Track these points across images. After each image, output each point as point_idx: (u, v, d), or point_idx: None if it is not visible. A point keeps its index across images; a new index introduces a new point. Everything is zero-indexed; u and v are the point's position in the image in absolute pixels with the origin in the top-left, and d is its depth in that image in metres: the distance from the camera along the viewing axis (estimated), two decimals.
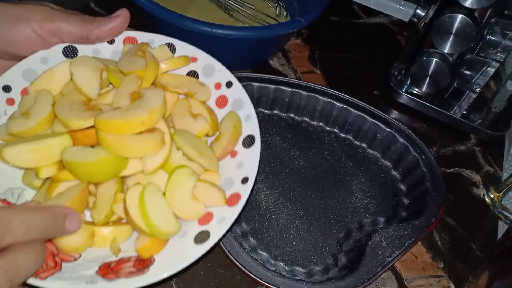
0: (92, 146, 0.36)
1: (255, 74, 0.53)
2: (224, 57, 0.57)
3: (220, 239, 0.35)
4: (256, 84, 0.52)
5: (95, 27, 0.40)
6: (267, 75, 0.53)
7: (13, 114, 0.39)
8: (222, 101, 0.42)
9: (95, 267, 0.34)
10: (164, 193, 0.36)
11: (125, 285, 0.32)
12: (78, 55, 0.42)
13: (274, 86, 0.53)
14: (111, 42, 0.43)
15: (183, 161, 0.38)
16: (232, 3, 0.63)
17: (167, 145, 0.36)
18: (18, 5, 0.39)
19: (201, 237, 0.34)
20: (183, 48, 0.43)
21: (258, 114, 0.54)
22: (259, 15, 0.62)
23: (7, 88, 0.40)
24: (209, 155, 0.39)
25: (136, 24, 0.61)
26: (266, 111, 0.55)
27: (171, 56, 0.43)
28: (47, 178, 0.37)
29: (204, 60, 0.43)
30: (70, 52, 0.42)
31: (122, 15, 0.41)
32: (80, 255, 0.35)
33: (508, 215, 0.49)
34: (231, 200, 0.36)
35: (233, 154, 0.40)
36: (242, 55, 0.58)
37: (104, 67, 0.40)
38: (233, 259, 0.40)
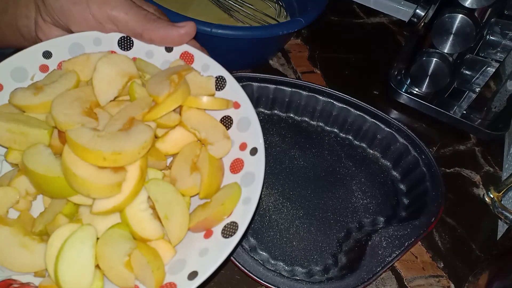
0: None
1: (255, 74, 0.53)
2: (224, 57, 0.57)
3: None
4: (256, 84, 0.52)
5: (153, 28, 0.38)
6: (267, 75, 0.53)
7: (29, 85, 0.37)
8: (237, 166, 0.36)
9: None
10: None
11: None
12: (132, 49, 0.39)
13: (274, 86, 0.53)
14: (169, 50, 0.40)
15: (144, 216, 0.33)
16: (232, 3, 0.63)
17: (124, 194, 0.32)
18: None
19: None
20: (232, 88, 0.38)
21: (258, 114, 0.54)
22: (259, 15, 0.62)
23: (48, 54, 0.39)
24: (177, 222, 0.33)
25: None
26: (266, 111, 0.55)
27: (212, 93, 0.38)
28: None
29: (244, 112, 0.37)
30: (125, 44, 0.40)
31: (186, 28, 0.38)
32: None
33: (508, 215, 0.49)
34: None
35: (208, 234, 0.33)
36: (242, 55, 0.58)
37: (136, 74, 0.37)
38: (233, 259, 0.40)
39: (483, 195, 0.52)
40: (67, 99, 0.35)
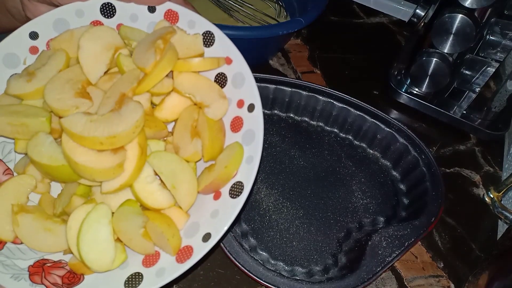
0: None
1: (255, 74, 0.52)
2: None
3: None
4: (256, 84, 0.52)
5: None
6: (267, 75, 0.53)
7: (22, 71, 0.37)
8: (237, 124, 0.36)
9: (31, 261, 0.33)
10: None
11: None
12: (115, 16, 0.38)
13: (274, 86, 0.53)
14: (152, 10, 0.38)
15: (153, 187, 0.34)
16: (232, 3, 0.63)
17: (128, 171, 0.32)
18: None
19: (134, 280, 0.32)
20: (222, 43, 0.37)
21: None
22: (258, 15, 0.62)
23: (34, 35, 0.38)
24: (185, 189, 0.34)
25: None
26: (266, 111, 0.55)
27: (201, 52, 0.37)
28: None
29: (238, 66, 0.36)
30: (107, 10, 0.38)
31: None
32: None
33: (508, 214, 0.49)
34: (182, 255, 0.32)
35: (217, 195, 0.34)
36: (242, 55, 0.58)
37: (122, 45, 0.36)
38: (233, 259, 0.40)
39: (483, 195, 0.52)
40: (58, 83, 0.35)
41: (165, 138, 0.37)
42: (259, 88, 0.52)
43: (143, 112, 0.33)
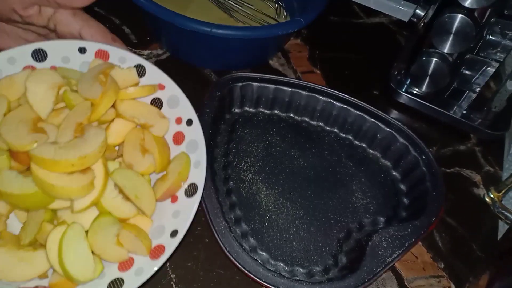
0: None
1: (255, 74, 0.53)
2: (224, 57, 0.57)
3: None
4: (256, 84, 0.52)
5: None
6: (267, 75, 0.53)
7: None
8: (179, 138, 0.42)
9: None
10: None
11: None
12: (47, 59, 0.42)
13: (274, 86, 0.53)
14: (83, 51, 0.42)
15: (117, 201, 0.38)
16: (232, 3, 0.63)
17: (98, 188, 0.36)
18: None
19: (115, 285, 0.35)
20: (153, 72, 0.43)
21: (258, 114, 0.55)
22: (258, 15, 0.62)
23: None
24: (146, 198, 0.38)
25: (136, 23, 0.61)
26: (266, 111, 0.55)
27: (137, 82, 0.42)
28: None
29: (170, 90, 0.42)
30: (39, 55, 0.42)
31: None
32: None
33: (508, 215, 0.49)
34: (155, 252, 0.36)
35: (174, 199, 0.39)
36: (242, 55, 0.58)
37: (63, 83, 0.40)
38: (233, 260, 0.40)
39: (484, 195, 0.52)
40: (12, 123, 0.37)
41: (115, 159, 0.41)
42: (260, 88, 0.53)
43: (105, 134, 0.38)
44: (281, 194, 0.48)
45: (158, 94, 0.43)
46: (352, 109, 0.52)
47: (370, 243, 0.43)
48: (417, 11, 0.58)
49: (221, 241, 0.40)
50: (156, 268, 0.35)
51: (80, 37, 0.43)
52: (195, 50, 0.55)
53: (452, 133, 0.58)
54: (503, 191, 0.50)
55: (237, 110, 0.54)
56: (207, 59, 0.58)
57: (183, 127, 0.41)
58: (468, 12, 0.50)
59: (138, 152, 0.40)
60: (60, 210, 0.37)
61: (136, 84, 0.42)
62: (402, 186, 0.51)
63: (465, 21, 0.50)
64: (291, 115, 0.55)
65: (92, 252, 0.36)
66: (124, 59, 0.43)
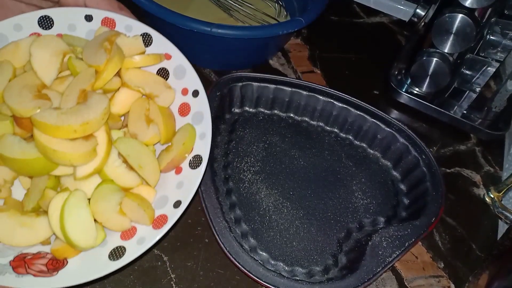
0: None
1: (255, 74, 0.53)
2: (224, 57, 0.57)
3: (136, 259, 0.35)
4: (256, 83, 0.52)
5: None
6: (267, 75, 0.53)
7: None
8: (185, 109, 0.41)
9: (11, 257, 0.34)
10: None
11: (30, 285, 0.33)
12: (53, 27, 0.41)
13: (274, 85, 0.53)
14: (89, 19, 0.42)
15: (121, 170, 0.37)
16: (232, 2, 0.62)
17: (100, 156, 0.36)
18: None
19: (117, 253, 0.35)
20: (160, 42, 0.42)
21: (258, 114, 0.55)
22: (259, 14, 0.62)
23: None
24: (150, 168, 0.38)
25: None
26: (266, 111, 0.55)
27: (143, 50, 0.42)
28: None
29: (177, 60, 0.42)
30: (45, 23, 0.41)
31: None
32: None
33: (508, 215, 0.49)
34: (158, 222, 0.36)
35: (178, 170, 0.39)
36: (242, 54, 0.58)
37: (68, 50, 0.40)
38: (233, 260, 0.40)
39: (484, 195, 0.52)
40: (16, 88, 0.37)
41: (120, 129, 0.41)
42: (260, 88, 0.53)
43: (108, 101, 0.37)
44: (281, 194, 0.48)
45: (165, 64, 0.42)
46: (352, 109, 0.52)
47: (370, 243, 0.43)
48: (418, 10, 0.58)
49: (221, 241, 0.40)
50: (158, 237, 0.35)
51: (85, 6, 0.42)
52: (195, 50, 0.55)
53: (452, 133, 0.58)
54: (503, 191, 0.50)
55: (237, 110, 0.54)
56: (207, 59, 0.58)
57: (189, 98, 0.41)
58: (468, 12, 0.50)
59: (143, 122, 0.40)
60: (63, 177, 0.37)
61: (142, 53, 0.42)
62: (402, 186, 0.51)
63: (466, 21, 0.50)
64: (291, 115, 0.55)
65: (95, 220, 0.36)
66: (130, 27, 0.42)
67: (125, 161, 0.38)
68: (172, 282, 0.41)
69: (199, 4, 0.63)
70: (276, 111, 0.55)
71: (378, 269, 0.41)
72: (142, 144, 0.39)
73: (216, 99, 0.49)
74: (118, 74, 0.40)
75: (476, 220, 0.51)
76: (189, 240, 0.43)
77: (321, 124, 0.54)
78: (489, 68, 0.57)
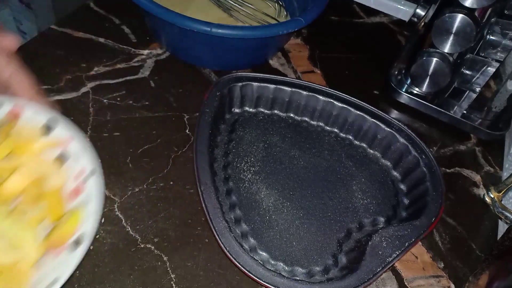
0: None
1: (255, 74, 0.53)
2: (224, 57, 0.57)
3: None
4: (256, 83, 0.52)
5: None
6: (267, 75, 0.53)
7: None
8: (76, 192, 0.41)
9: None
10: None
11: None
12: None
13: (274, 86, 0.53)
14: None
15: None
16: (232, 2, 0.62)
17: None
18: None
19: None
20: (63, 126, 0.43)
21: (258, 114, 0.55)
22: (258, 14, 0.62)
23: None
24: (28, 249, 0.38)
25: (136, 23, 0.61)
26: (266, 111, 0.55)
27: (40, 139, 0.43)
28: None
29: (76, 145, 0.42)
30: None
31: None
32: None
33: (508, 214, 0.49)
34: None
35: (58, 252, 0.38)
36: (242, 54, 0.58)
37: None
38: (233, 259, 0.40)
39: (484, 195, 0.52)
40: None
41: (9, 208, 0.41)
42: (260, 87, 0.53)
43: None
44: (281, 194, 0.48)
45: (65, 148, 0.43)
46: (352, 109, 0.52)
47: (370, 243, 0.42)
48: (418, 10, 0.58)
49: (221, 241, 0.40)
50: None
51: (7, 83, 0.43)
52: (195, 50, 0.55)
53: (452, 133, 0.58)
54: (503, 191, 0.50)
55: (237, 110, 0.54)
56: (207, 59, 0.58)
57: (82, 180, 0.41)
58: (468, 11, 0.50)
59: (32, 202, 0.40)
60: None
61: (43, 138, 0.43)
62: (402, 186, 0.51)
63: (466, 21, 0.50)
64: (291, 115, 0.55)
65: None
66: (38, 113, 0.43)
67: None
68: (172, 282, 0.41)
69: (199, 4, 0.63)
70: (276, 111, 0.55)
71: (378, 269, 0.41)
72: (23, 225, 0.39)
73: (216, 99, 0.49)
74: (13, 158, 0.41)
75: (476, 220, 0.51)
76: (189, 240, 0.43)
77: (321, 124, 0.54)
78: (489, 68, 0.58)
